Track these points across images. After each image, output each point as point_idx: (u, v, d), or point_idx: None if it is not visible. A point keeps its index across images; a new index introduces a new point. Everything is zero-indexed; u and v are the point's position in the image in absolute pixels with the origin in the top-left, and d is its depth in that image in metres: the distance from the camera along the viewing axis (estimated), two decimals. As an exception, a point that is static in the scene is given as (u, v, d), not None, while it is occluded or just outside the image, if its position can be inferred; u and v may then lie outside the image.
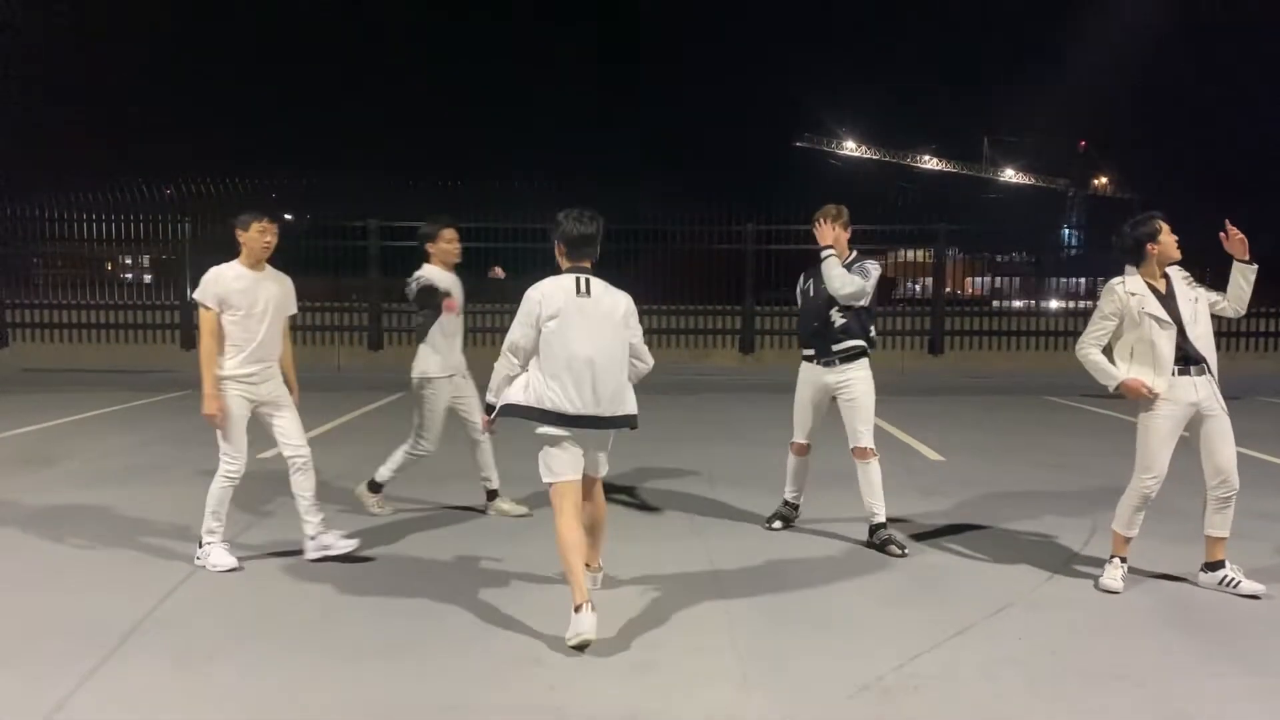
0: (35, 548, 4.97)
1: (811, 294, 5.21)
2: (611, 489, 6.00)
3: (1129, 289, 4.34)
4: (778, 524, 5.42)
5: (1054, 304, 17.79)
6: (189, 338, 14.68)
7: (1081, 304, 17.54)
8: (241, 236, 4.71)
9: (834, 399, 5.14)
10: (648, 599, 4.20)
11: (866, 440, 5.05)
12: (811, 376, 5.21)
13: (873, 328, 5.16)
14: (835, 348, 5.06)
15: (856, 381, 5.06)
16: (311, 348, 15.42)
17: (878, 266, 5.04)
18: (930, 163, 75.16)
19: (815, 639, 3.81)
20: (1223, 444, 4.31)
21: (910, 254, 19.02)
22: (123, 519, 5.52)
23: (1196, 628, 3.97)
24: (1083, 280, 18.51)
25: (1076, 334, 15.39)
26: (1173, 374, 4.26)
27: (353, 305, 15.73)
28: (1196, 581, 4.47)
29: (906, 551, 4.94)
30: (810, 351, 5.21)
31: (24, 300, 15.92)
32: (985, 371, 14.91)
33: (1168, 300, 4.31)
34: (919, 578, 4.60)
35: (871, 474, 5.07)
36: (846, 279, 4.94)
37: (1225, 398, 4.35)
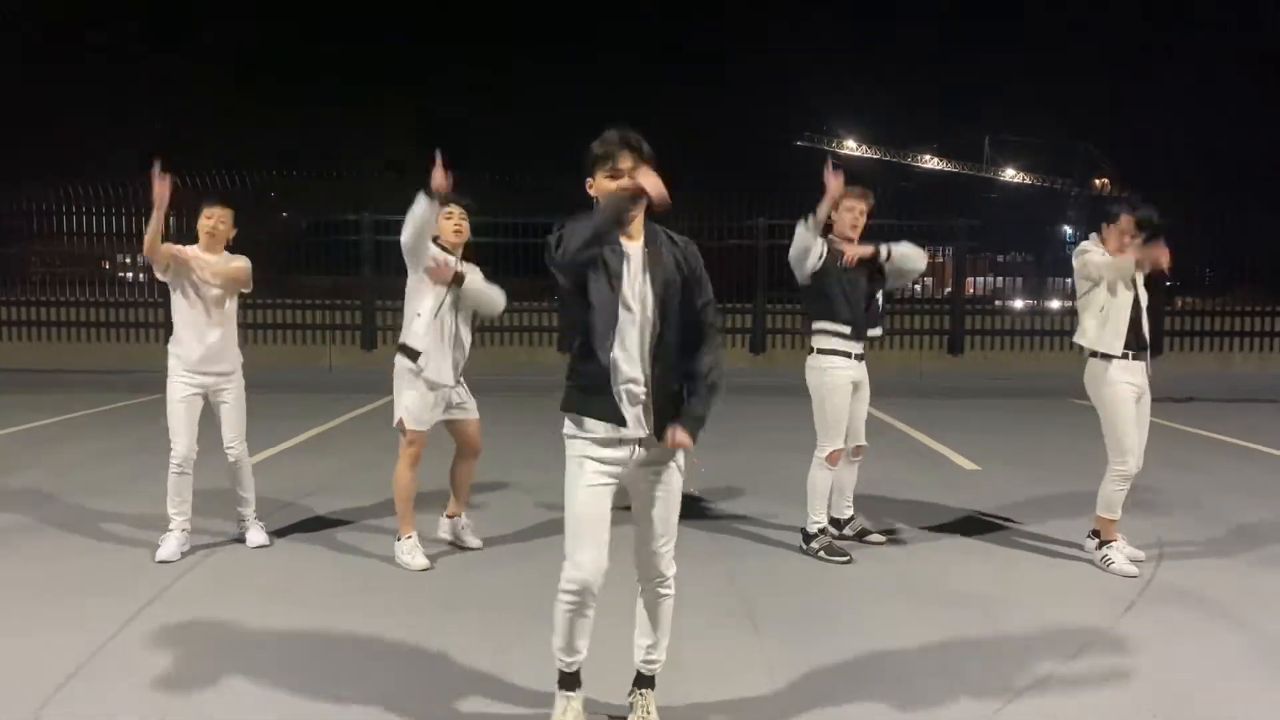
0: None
1: (841, 267, 4.57)
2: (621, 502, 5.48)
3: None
4: (844, 559, 4.64)
5: (1055, 304, 17.20)
6: (176, 337, 14.09)
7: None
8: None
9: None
10: (675, 635, 3.63)
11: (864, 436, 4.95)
12: (848, 371, 4.64)
13: None
14: (871, 333, 4.71)
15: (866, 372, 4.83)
16: (302, 347, 14.89)
17: None
18: (931, 162, 74.71)
19: (872, 693, 3.22)
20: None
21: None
22: (78, 540, 4.94)
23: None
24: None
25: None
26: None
27: (345, 304, 15.16)
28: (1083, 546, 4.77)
29: (884, 539, 4.96)
30: (853, 346, 4.63)
31: (2, 297, 15.36)
32: (1007, 372, 14.34)
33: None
34: (977, 611, 4.02)
35: (857, 470, 5.02)
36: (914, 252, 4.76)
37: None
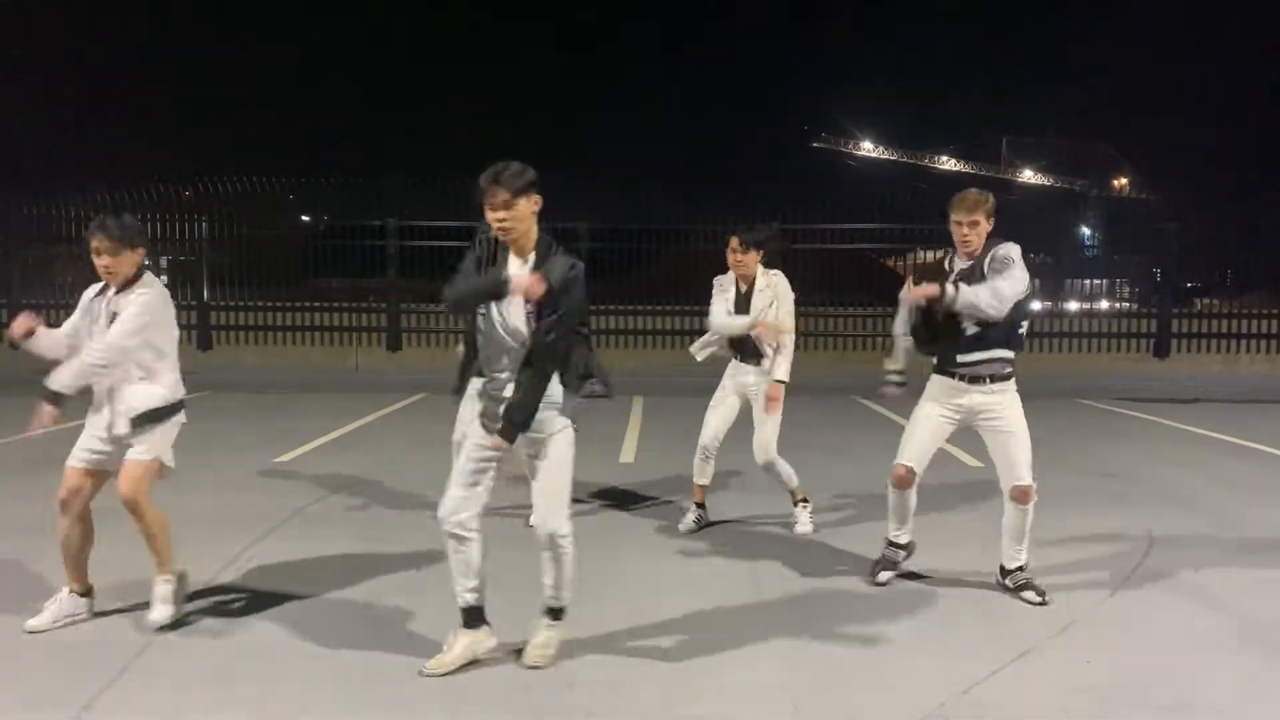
0: (33, 561, 4.71)
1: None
2: (645, 499, 5.80)
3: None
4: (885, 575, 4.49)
5: (1073, 305, 17.42)
6: (205, 338, 14.59)
7: (1101, 304, 17.27)
8: None
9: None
10: (689, 620, 3.95)
11: None
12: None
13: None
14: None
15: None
16: (329, 348, 15.29)
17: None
18: (948, 163, 74.56)
19: (868, 664, 3.55)
20: (757, 426, 5.32)
21: (930, 255, 18.65)
22: (123, 530, 5.29)
23: (1276, 650, 3.69)
24: (1103, 281, 18.16)
25: (1106, 335, 15.38)
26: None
27: (371, 306, 15.56)
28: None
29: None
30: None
31: (37, 300, 15.81)
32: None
33: (744, 297, 5.18)
34: (974, 596, 4.33)
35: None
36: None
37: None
